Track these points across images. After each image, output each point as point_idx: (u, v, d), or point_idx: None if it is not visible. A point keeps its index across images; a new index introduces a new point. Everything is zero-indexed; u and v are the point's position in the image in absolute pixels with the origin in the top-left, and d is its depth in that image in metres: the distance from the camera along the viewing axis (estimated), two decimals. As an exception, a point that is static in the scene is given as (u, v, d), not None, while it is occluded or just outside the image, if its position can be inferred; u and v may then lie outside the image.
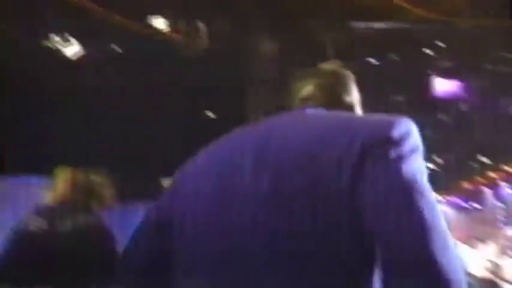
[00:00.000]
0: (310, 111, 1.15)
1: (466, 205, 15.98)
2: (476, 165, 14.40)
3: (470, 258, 6.79)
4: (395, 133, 0.94)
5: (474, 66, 9.79)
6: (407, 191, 0.87)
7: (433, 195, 0.89)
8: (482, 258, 6.91)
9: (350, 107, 1.23)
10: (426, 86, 10.33)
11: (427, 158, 14.17)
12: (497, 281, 6.70)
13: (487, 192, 14.46)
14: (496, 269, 6.81)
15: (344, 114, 1.16)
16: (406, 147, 0.93)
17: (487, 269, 6.85)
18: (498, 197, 14.09)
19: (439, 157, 13.65)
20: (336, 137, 0.96)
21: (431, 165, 14.03)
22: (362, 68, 9.44)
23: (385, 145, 0.92)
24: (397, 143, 0.93)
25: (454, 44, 9.46)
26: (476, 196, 13.66)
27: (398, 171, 0.89)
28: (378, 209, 0.86)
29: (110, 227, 2.56)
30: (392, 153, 0.91)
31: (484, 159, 14.09)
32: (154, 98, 9.11)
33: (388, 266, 0.85)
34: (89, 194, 2.60)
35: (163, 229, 1.11)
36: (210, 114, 11.48)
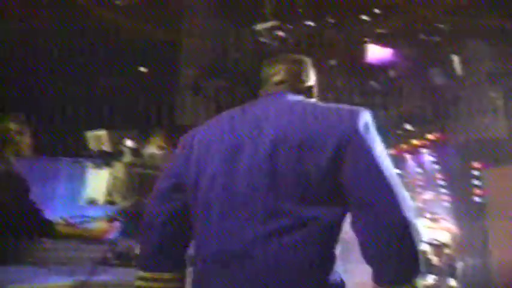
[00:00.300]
0: (290, 97, 1.55)
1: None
2: (401, 133, 14.94)
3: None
4: (361, 123, 1.42)
5: (407, 35, 9.95)
6: (375, 158, 1.38)
7: (388, 160, 1.40)
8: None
9: (310, 88, 1.67)
10: (359, 52, 10.42)
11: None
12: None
13: (409, 158, 15.10)
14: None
15: (318, 104, 1.56)
16: (370, 132, 1.43)
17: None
18: (419, 163, 14.77)
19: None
20: (321, 125, 1.40)
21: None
22: (298, 30, 9.32)
23: (356, 132, 1.39)
24: (362, 130, 1.41)
25: (388, 11, 9.54)
26: (399, 162, 14.23)
27: (367, 147, 1.39)
28: (360, 172, 1.34)
29: (23, 175, 2.42)
30: (361, 137, 1.39)
31: (409, 127, 14.60)
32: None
33: (369, 205, 1.32)
34: (2, 140, 2.39)
35: (180, 187, 1.54)
36: (142, 69, 11.21)
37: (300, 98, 1.56)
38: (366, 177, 1.33)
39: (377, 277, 1.37)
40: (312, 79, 1.67)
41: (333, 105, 1.52)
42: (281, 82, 1.60)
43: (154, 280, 1.48)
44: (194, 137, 1.59)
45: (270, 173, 1.34)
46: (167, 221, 1.51)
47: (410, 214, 1.36)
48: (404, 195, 1.37)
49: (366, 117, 1.45)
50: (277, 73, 1.61)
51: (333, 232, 1.35)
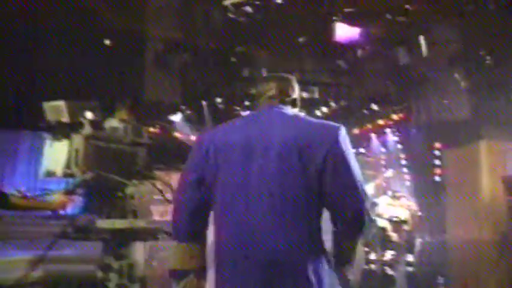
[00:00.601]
0: (285, 110, 2.04)
1: (354, 150, 16.94)
2: (367, 113, 15.12)
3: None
4: (340, 133, 1.90)
5: (374, 14, 9.98)
6: (348, 162, 1.88)
7: (355, 161, 1.90)
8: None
9: (295, 100, 2.11)
10: (327, 30, 10.41)
11: (324, 103, 14.63)
12: (373, 216, 7.25)
13: (374, 138, 15.34)
14: (372, 206, 7.34)
15: (308, 119, 2.03)
16: (346, 142, 1.91)
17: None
18: (383, 143, 15.03)
19: (333, 102, 14.05)
20: (311, 135, 1.89)
21: (325, 109, 14.43)
22: (266, 6, 9.22)
23: (336, 141, 1.88)
24: (341, 139, 1.89)
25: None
26: (364, 142, 14.45)
27: (342, 154, 1.88)
28: (338, 171, 1.85)
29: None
30: (341, 146, 1.88)
31: (375, 107, 14.77)
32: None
33: (343, 191, 1.85)
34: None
35: (202, 181, 1.96)
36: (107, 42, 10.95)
37: (293, 111, 2.07)
38: (342, 173, 1.87)
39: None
40: (296, 93, 2.13)
41: (319, 121, 2.04)
42: (273, 97, 2.07)
43: (187, 248, 1.96)
44: (213, 139, 2.01)
45: (278, 169, 1.86)
46: (195, 206, 1.97)
47: (366, 205, 1.90)
48: (363, 187, 1.91)
49: (343, 133, 1.94)
50: (270, 89, 2.09)
51: (321, 210, 1.91)
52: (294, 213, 1.83)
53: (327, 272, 1.86)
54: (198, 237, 1.98)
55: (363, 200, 1.87)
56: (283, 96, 2.07)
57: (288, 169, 1.85)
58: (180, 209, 1.99)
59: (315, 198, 1.86)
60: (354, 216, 1.85)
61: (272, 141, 1.89)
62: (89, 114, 3.47)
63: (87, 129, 3.23)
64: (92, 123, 3.35)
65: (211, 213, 2.00)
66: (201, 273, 1.97)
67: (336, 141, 1.89)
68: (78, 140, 3.16)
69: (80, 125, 3.25)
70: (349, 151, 1.91)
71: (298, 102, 2.13)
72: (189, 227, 1.96)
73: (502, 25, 9.17)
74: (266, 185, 1.85)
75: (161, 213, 15.38)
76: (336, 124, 1.95)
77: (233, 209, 1.88)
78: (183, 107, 15.47)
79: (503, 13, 9.05)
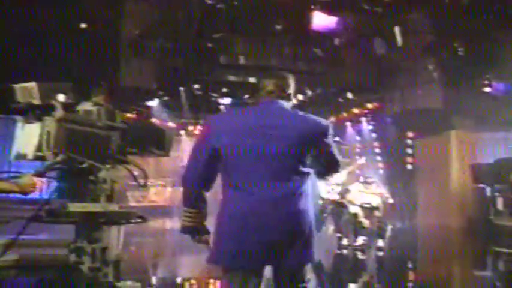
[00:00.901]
0: (280, 104, 2.46)
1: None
2: (343, 101, 15.21)
3: (324, 184, 7.30)
4: (329, 129, 2.42)
5: (351, 4, 9.99)
6: (332, 148, 2.47)
7: (336, 148, 2.50)
8: (335, 184, 7.45)
9: (289, 95, 2.52)
10: (305, 18, 10.39)
11: (300, 90, 14.65)
12: (345, 202, 7.34)
13: (349, 126, 15.48)
14: (345, 193, 7.42)
15: (300, 113, 2.46)
16: (331, 135, 2.44)
17: (338, 193, 7.44)
18: (358, 131, 15.18)
19: (310, 90, 14.08)
20: (304, 126, 2.38)
21: (301, 97, 14.45)
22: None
23: (325, 135, 2.40)
24: (329, 133, 2.41)
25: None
26: (339, 130, 14.57)
27: (329, 143, 2.44)
28: (327, 154, 2.45)
29: None
30: (328, 138, 2.41)
31: (350, 96, 14.85)
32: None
33: (329, 165, 2.55)
34: None
35: (212, 158, 2.37)
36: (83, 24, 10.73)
37: (287, 104, 2.49)
38: (329, 155, 2.50)
39: None
40: (291, 89, 2.53)
41: (314, 117, 2.48)
42: (272, 92, 2.48)
43: (195, 213, 2.46)
44: (221, 123, 2.47)
45: (278, 153, 2.33)
46: (204, 178, 2.43)
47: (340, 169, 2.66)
48: (339, 162, 2.58)
49: (329, 127, 2.46)
50: (268, 85, 2.49)
51: (306, 177, 2.42)
52: (288, 177, 2.33)
53: (311, 212, 2.41)
54: (203, 202, 2.47)
55: (339, 167, 2.61)
56: (280, 92, 2.47)
57: (286, 148, 2.32)
58: (190, 181, 2.45)
59: (303, 168, 2.38)
60: (333, 174, 2.72)
61: (274, 127, 2.35)
62: (61, 97, 3.39)
63: (59, 112, 3.16)
64: (64, 105, 3.28)
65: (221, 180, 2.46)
66: (204, 228, 2.48)
67: (326, 135, 2.42)
68: (49, 122, 3.08)
69: (52, 108, 3.17)
70: (332, 142, 2.49)
71: (292, 97, 2.55)
72: (198, 196, 2.45)
73: (475, 17, 9.30)
74: (269, 158, 2.31)
75: (137, 199, 15.33)
76: (327, 122, 2.48)
77: (243, 176, 2.34)
78: (161, 93, 15.32)
79: (477, 5, 9.17)
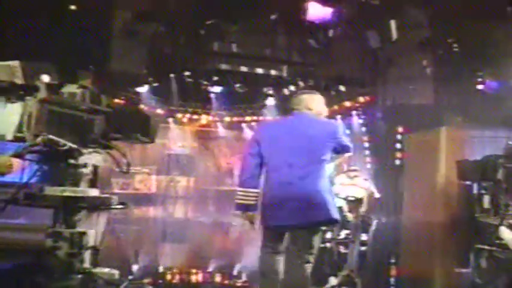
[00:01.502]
0: (307, 115, 3.31)
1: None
2: (334, 93, 15.19)
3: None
4: (341, 130, 3.29)
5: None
6: (344, 139, 3.29)
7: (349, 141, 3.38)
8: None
9: (319, 113, 3.37)
10: (300, 8, 10.35)
11: (292, 82, 14.61)
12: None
13: (340, 120, 15.47)
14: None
15: (320, 119, 3.34)
16: (342, 130, 3.30)
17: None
18: (348, 125, 15.19)
19: (301, 81, 14.05)
20: (323, 129, 3.24)
21: (293, 88, 14.42)
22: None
23: (339, 134, 3.23)
24: (341, 133, 3.26)
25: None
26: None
27: (342, 136, 3.27)
28: (343, 148, 3.29)
29: None
30: (341, 136, 3.25)
31: (343, 88, 14.83)
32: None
33: (344, 151, 3.35)
34: None
35: (259, 159, 3.24)
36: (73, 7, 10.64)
37: (313, 115, 3.33)
38: (343, 145, 3.24)
39: None
40: (314, 105, 3.36)
41: (327, 120, 3.39)
42: (301, 108, 3.33)
43: (247, 192, 3.19)
44: (265, 131, 3.47)
45: (305, 148, 3.14)
46: (252, 167, 3.22)
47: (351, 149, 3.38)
48: (350, 147, 3.33)
49: (341, 127, 3.30)
50: (301, 102, 3.36)
51: (327, 168, 3.22)
52: (315, 169, 3.13)
53: (333, 197, 3.27)
54: (254, 186, 3.18)
55: (350, 149, 3.34)
56: (309, 108, 3.32)
57: (312, 146, 3.14)
58: (244, 169, 3.25)
59: (325, 159, 3.18)
60: (345, 154, 3.42)
61: (302, 131, 3.20)
62: (45, 77, 3.34)
63: (42, 93, 3.10)
64: (48, 86, 3.22)
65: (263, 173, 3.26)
66: (255, 208, 3.18)
67: (338, 131, 3.23)
68: (32, 103, 3.03)
69: (35, 88, 3.11)
70: (344, 135, 3.27)
71: (315, 111, 3.35)
72: (249, 179, 3.20)
73: (471, 13, 9.31)
74: (300, 155, 3.13)
75: (121, 186, 15.26)
76: (336, 122, 3.54)
77: (279, 169, 3.15)
78: (150, 79, 15.21)
79: (473, 1, 9.18)
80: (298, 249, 3.12)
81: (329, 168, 3.31)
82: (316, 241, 3.16)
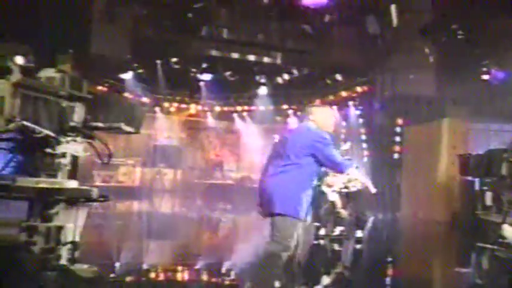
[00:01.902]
0: (306, 124, 4.06)
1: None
2: (330, 82, 15.16)
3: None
4: (322, 137, 3.91)
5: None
6: (326, 152, 3.90)
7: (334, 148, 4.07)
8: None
9: (324, 126, 4.04)
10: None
11: (286, 69, 14.52)
12: (324, 187, 7.32)
13: (336, 110, 15.43)
14: (324, 176, 7.39)
15: (311, 129, 3.98)
16: (325, 141, 3.91)
17: (318, 178, 7.40)
18: (344, 116, 15.19)
19: (296, 70, 14.00)
20: (304, 137, 3.94)
21: (286, 77, 14.37)
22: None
23: (317, 144, 3.87)
24: (323, 140, 3.89)
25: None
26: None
27: (327, 151, 3.92)
28: (323, 157, 3.88)
29: None
30: (321, 144, 3.87)
31: (339, 77, 14.77)
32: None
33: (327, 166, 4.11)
34: None
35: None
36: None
37: (312, 126, 3.95)
38: (325, 157, 3.81)
39: None
40: (313, 116, 4.00)
41: (314, 131, 3.89)
42: (307, 118, 3.99)
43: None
44: (279, 137, 4.73)
45: (285, 152, 3.80)
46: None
47: (344, 167, 3.96)
48: (338, 162, 3.90)
49: (317, 135, 3.83)
50: (308, 113, 4.03)
51: (309, 171, 3.84)
52: (287, 170, 3.76)
53: (299, 196, 3.77)
54: None
55: (337, 167, 3.95)
56: (310, 120, 3.96)
57: (291, 150, 3.78)
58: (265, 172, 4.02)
59: (299, 163, 3.77)
60: (334, 171, 4.53)
61: (290, 138, 3.94)
62: (19, 59, 3.27)
63: (16, 75, 3.03)
64: (23, 69, 3.15)
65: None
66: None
67: (316, 141, 3.78)
68: (4, 86, 2.96)
69: (8, 70, 3.04)
70: (322, 143, 3.80)
71: (320, 124, 3.97)
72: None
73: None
74: (280, 157, 3.83)
75: (103, 179, 15.18)
76: (318, 132, 3.89)
77: (265, 168, 3.96)
78: (135, 65, 15.08)
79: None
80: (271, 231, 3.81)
81: (312, 173, 3.85)
82: (281, 227, 3.74)
